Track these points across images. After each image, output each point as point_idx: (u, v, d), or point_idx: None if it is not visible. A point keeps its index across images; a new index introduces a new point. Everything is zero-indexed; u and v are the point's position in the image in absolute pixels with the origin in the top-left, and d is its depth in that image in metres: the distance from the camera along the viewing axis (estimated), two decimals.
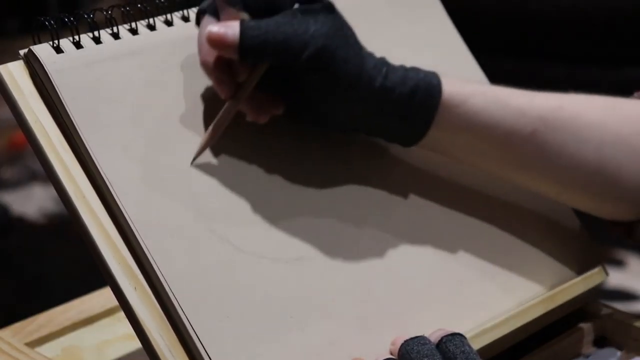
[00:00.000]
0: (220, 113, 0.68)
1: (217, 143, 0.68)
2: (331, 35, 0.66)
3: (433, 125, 0.70)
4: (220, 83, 0.67)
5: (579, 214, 0.80)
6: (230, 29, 0.65)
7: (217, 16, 0.68)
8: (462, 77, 0.74)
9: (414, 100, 0.69)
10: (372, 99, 0.68)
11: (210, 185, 0.67)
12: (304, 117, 0.71)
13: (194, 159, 0.67)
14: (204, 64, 0.67)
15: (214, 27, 0.65)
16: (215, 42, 0.65)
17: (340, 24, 0.68)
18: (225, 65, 0.67)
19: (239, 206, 0.67)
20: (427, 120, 0.70)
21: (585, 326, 0.78)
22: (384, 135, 0.72)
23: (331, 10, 0.68)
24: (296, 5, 0.67)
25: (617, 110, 0.73)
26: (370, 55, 0.69)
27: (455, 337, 0.64)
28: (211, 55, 0.67)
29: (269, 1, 0.67)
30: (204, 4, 0.69)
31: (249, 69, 0.67)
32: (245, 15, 0.67)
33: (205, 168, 0.67)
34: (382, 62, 0.69)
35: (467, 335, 0.67)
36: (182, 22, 0.71)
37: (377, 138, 0.73)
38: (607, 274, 0.79)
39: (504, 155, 0.72)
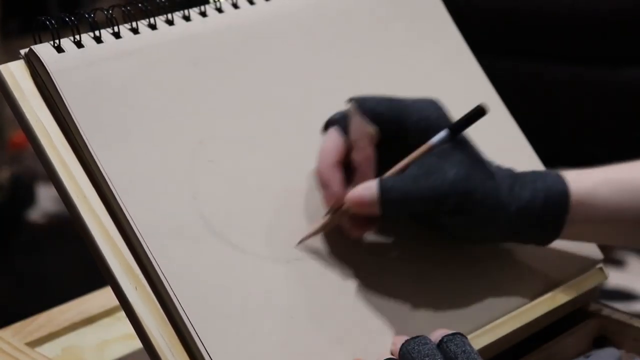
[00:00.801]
0: (321, 223, 0.69)
1: (217, 143, 0.68)
2: (469, 176, 0.68)
3: (565, 226, 0.71)
4: (329, 197, 0.68)
5: None
6: (368, 190, 0.67)
7: (345, 129, 0.69)
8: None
9: (546, 213, 0.70)
10: (507, 222, 0.70)
11: (211, 185, 0.67)
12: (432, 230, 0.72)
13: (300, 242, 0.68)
14: (319, 174, 0.69)
15: (355, 192, 0.67)
16: (357, 204, 0.67)
17: (474, 157, 0.69)
18: (339, 180, 0.68)
19: (240, 206, 0.67)
20: (558, 226, 0.71)
21: (585, 326, 0.78)
22: (517, 241, 0.73)
23: (463, 144, 0.69)
24: (433, 140, 0.68)
25: None
26: (501, 176, 0.70)
27: (456, 337, 0.64)
28: (328, 169, 0.68)
29: (395, 116, 0.69)
30: (336, 115, 0.70)
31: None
32: (371, 129, 0.68)
33: (206, 168, 0.67)
34: (511, 180, 0.70)
35: (468, 336, 0.67)
36: (183, 22, 0.71)
37: None
38: (607, 274, 0.79)
39: (635, 234, 0.74)
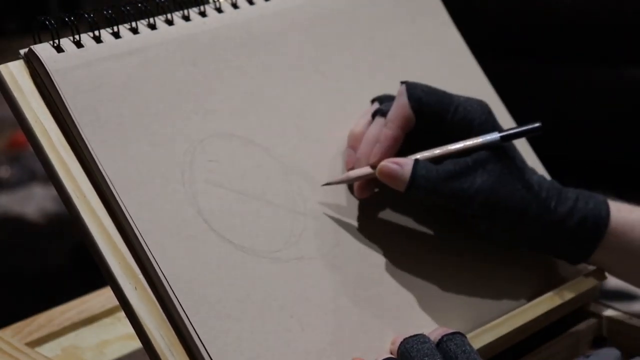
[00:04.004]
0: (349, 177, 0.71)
1: (217, 143, 0.68)
2: (496, 186, 0.69)
3: (597, 250, 0.72)
4: (362, 188, 0.71)
5: None
6: (401, 168, 0.68)
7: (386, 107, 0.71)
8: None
9: (579, 232, 0.71)
10: (537, 229, 0.70)
11: (211, 185, 0.67)
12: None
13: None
14: (353, 163, 0.71)
15: (389, 163, 0.68)
16: (386, 175, 0.68)
17: (509, 167, 0.70)
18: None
19: (240, 206, 0.67)
20: (590, 249, 0.72)
21: (585, 326, 0.78)
22: (549, 254, 0.74)
23: (502, 153, 0.70)
24: (480, 139, 0.69)
25: None
26: (541, 186, 0.71)
27: (456, 336, 0.64)
28: (366, 157, 0.70)
29: (440, 110, 0.70)
30: (383, 106, 0.71)
31: None
32: (411, 116, 0.69)
33: (206, 167, 0.67)
34: (553, 192, 0.71)
35: (468, 335, 0.67)
36: (182, 22, 0.71)
37: None
38: (607, 273, 0.79)
39: None
